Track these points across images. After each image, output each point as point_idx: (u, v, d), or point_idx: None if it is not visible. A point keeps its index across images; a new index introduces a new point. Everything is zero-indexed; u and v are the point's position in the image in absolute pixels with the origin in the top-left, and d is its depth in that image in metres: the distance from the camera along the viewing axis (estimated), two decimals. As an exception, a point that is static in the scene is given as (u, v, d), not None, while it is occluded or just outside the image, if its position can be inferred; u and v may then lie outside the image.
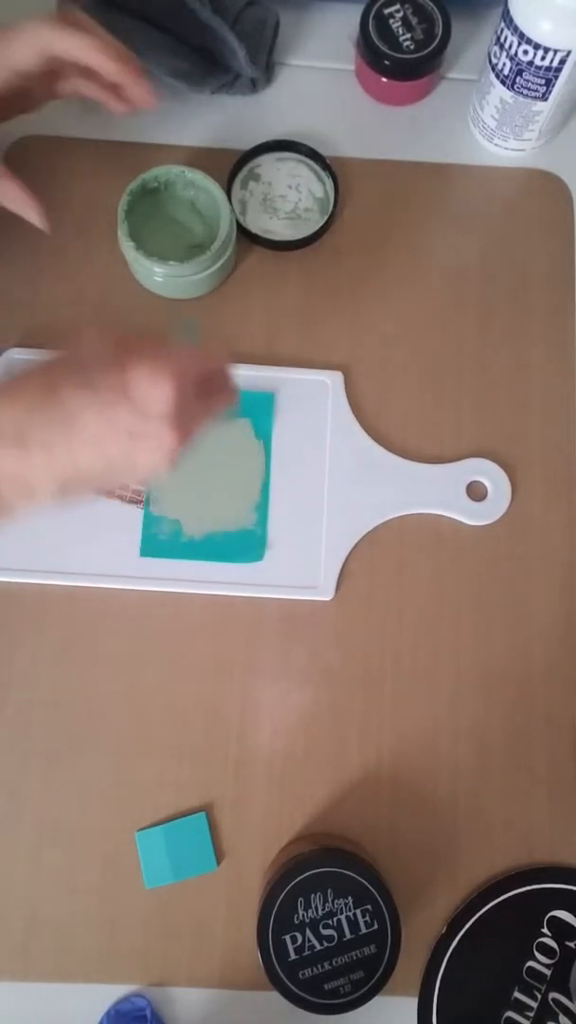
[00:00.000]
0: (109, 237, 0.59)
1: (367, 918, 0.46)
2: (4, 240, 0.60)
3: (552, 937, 0.51)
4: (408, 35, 0.61)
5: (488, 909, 0.51)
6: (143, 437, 0.39)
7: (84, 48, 0.48)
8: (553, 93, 0.57)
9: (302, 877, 0.47)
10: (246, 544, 0.56)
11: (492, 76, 0.59)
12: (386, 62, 0.61)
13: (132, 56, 0.49)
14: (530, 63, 0.55)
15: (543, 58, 0.54)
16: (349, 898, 0.47)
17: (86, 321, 0.59)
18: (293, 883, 0.47)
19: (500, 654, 0.56)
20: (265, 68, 0.63)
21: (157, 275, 0.56)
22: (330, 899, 0.46)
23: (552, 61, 0.54)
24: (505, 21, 0.55)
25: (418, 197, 0.63)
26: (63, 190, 0.61)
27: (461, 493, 0.58)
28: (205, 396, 0.41)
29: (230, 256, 0.58)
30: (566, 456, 0.59)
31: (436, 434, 0.59)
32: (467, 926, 0.51)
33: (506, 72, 0.57)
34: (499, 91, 0.59)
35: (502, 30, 0.56)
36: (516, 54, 0.55)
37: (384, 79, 0.63)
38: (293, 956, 0.46)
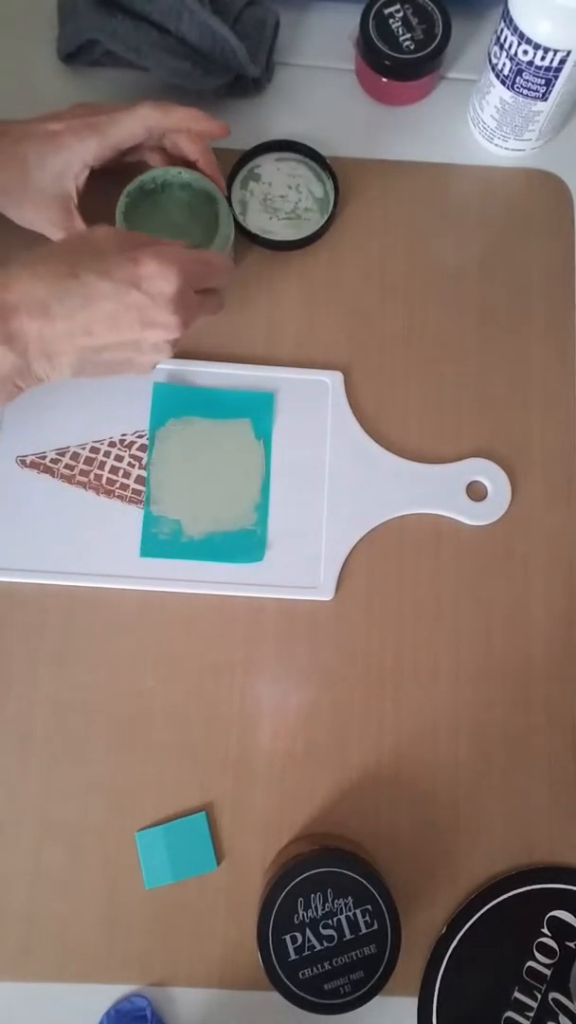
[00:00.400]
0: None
1: (367, 918, 0.46)
2: (3, 241, 0.59)
3: (552, 937, 0.51)
4: (408, 35, 0.61)
5: (488, 909, 0.51)
6: (151, 320, 0.46)
7: (192, 118, 0.53)
8: (553, 93, 0.57)
9: (302, 877, 0.47)
10: (246, 544, 0.56)
11: (492, 76, 0.59)
12: (386, 62, 0.61)
13: (223, 126, 0.55)
14: (530, 63, 0.55)
15: (543, 58, 0.54)
16: (349, 898, 0.47)
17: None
18: (293, 883, 0.47)
19: (500, 654, 0.56)
20: (265, 68, 0.63)
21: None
22: (330, 899, 0.46)
23: (552, 61, 0.54)
24: (505, 21, 0.55)
25: (418, 197, 0.63)
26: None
27: (461, 493, 0.58)
28: (202, 293, 0.49)
29: (230, 256, 0.58)
30: (566, 456, 0.59)
31: (436, 434, 0.59)
32: (467, 926, 0.51)
33: (506, 72, 0.57)
34: (499, 91, 0.59)
35: (502, 30, 0.56)
36: (516, 54, 0.55)
37: (384, 79, 0.63)
38: (293, 956, 0.46)
